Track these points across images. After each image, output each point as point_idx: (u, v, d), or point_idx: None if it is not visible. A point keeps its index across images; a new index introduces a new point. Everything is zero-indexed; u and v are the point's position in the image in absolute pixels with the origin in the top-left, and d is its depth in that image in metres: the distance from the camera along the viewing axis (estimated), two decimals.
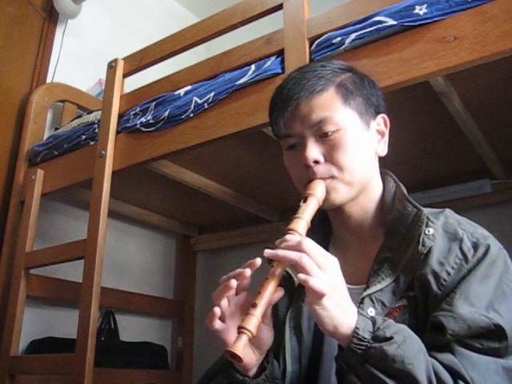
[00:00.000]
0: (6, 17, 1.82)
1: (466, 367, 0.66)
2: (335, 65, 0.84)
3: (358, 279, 0.81)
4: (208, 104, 1.26)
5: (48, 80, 1.94)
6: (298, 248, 0.67)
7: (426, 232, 0.77)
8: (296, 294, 0.86)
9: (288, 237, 0.71)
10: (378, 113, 0.86)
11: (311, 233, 0.78)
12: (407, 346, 0.65)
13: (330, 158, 0.79)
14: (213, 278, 2.28)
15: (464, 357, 0.67)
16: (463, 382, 0.65)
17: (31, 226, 1.57)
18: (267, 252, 0.69)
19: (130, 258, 2.12)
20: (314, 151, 0.79)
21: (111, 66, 1.54)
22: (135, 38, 2.28)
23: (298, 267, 0.67)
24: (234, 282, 0.70)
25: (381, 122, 0.86)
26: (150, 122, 1.37)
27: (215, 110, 1.26)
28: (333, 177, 0.79)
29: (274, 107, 0.84)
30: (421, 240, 0.77)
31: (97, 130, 1.53)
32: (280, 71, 1.17)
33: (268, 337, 0.76)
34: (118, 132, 1.48)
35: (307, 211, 0.76)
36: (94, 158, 1.46)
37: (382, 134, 0.86)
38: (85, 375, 1.22)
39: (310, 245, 0.68)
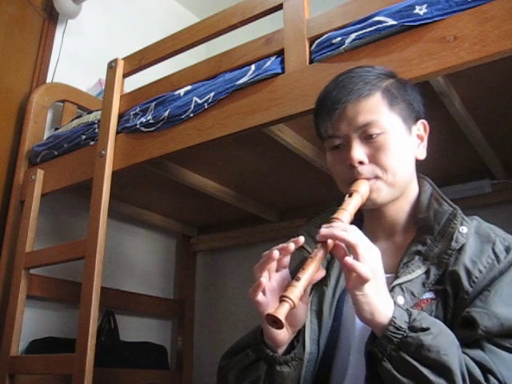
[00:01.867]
0: (6, 17, 1.82)
1: (496, 364, 0.68)
2: (379, 70, 0.88)
3: (385, 268, 0.83)
4: (208, 104, 1.26)
5: (48, 80, 1.94)
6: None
7: (460, 230, 0.81)
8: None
9: (335, 224, 0.74)
10: (418, 118, 0.89)
11: None
12: (442, 337, 0.68)
13: (374, 159, 0.83)
14: (213, 278, 2.28)
15: (494, 354, 0.69)
16: (493, 377, 0.67)
17: (31, 226, 1.56)
18: (323, 231, 0.72)
19: (130, 257, 2.12)
20: (359, 152, 0.82)
21: (111, 66, 1.54)
22: (135, 37, 2.28)
23: (342, 254, 0.70)
24: (276, 253, 0.73)
25: (421, 128, 0.90)
26: (150, 121, 1.37)
27: (215, 110, 1.26)
28: (377, 177, 0.83)
29: (321, 109, 0.87)
30: (454, 236, 0.80)
31: (97, 130, 1.53)
32: (280, 71, 1.17)
33: (302, 315, 0.79)
34: (118, 132, 1.48)
35: (351, 204, 0.79)
36: (93, 158, 1.46)
37: (422, 139, 0.91)
38: (85, 375, 1.22)
39: (356, 233, 0.72)
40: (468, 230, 0.81)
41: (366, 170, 0.82)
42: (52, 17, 2.00)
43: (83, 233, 1.42)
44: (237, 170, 1.65)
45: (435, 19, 0.96)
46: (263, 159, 1.57)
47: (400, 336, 0.67)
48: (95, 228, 1.37)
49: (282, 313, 0.66)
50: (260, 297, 0.74)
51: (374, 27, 1.02)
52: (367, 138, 0.83)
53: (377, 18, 1.02)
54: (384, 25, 1.01)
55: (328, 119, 0.85)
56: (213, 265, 2.31)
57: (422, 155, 0.90)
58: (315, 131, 0.91)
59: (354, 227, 0.73)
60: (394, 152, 0.83)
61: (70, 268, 1.64)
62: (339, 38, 1.08)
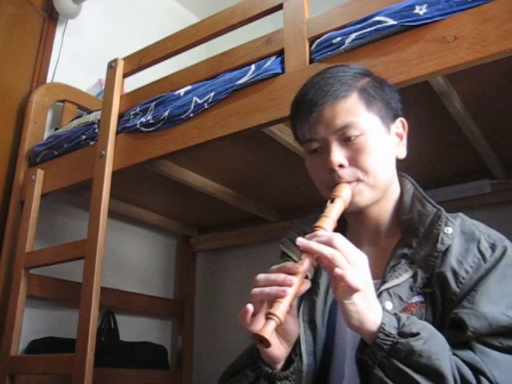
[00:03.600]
0: (5, 17, 1.82)
1: (487, 364, 0.67)
2: (354, 69, 0.86)
3: (373, 273, 0.82)
4: (208, 104, 1.26)
5: (48, 80, 1.93)
6: (329, 243, 0.68)
7: (445, 231, 0.79)
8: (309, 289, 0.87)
9: (319, 232, 0.72)
10: (396, 116, 0.88)
11: None
12: (433, 341, 0.67)
13: (354, 161, 0.81)
14: (213, 278, 2.28)
15: (484, 354, 0.69)
16: (485, 378, 0.66)
17: (31, 225, 1.56)
18: (300, 241, 0.70)
19: (130, 257, 2.12)
20: (338, 155, 0.81)
21: (111, 66, 1.54)
22: (135, 37, 2.29)
23: (326, 263, 0.68)
24: (250, 307, 0.70)
25: (399, 126, 0.89)
26: (150, 121, 1.37)
27: (215, 110, 1.26)
28: (358, 180, 0.81)
29: (297, 112, 0.85)
30: (440, 238, 0.79)
31: (97, 130, 1.53)
32: (280, 71, 1.17)
33: (294, 328, 0.78)
34: (118, 132, 1.48)
35: (334, 211, 0.78)
36: (93, 158, 1.46)
37: (401, 137, 0.89)
38: (85, 375, 1.22)
39: (341, 241, 0.69)
40: (453, 230, 0.80)
41: (347, 173, 0.81)
42: (52, 17, 2.00)
43: (83, 233, 1.42)
44: (237, 170, 1.65)
45: (435, 19, 0.96)
46: (263, 159, 1.57)
47: (390, 342, 0.66)
48: (95, 228, 1.37)
49: (267, 332, 0.65)
50: (249, 320, 0.71)
51: (374, 27, 1.02)
52: (346, 140, 0.81)
53: (377, 18, 1.02)
54: (384, 25, 1.01)
55: (305, 122, 0.83)
56: (213, 265, 2.31)
57: (403, 154, 0.89)
58: (293, 135, 0.90)
59: (339, 235, 0.71)
60: (374, 153, 0.81)
61: (70, 268, 1.64)
62: (339, 38, 1.07)
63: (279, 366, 0.79)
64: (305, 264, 0.71)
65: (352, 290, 0.67)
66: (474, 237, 0.79)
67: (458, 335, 0.71)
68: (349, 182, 0.81)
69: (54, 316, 1.78)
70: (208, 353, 2.17)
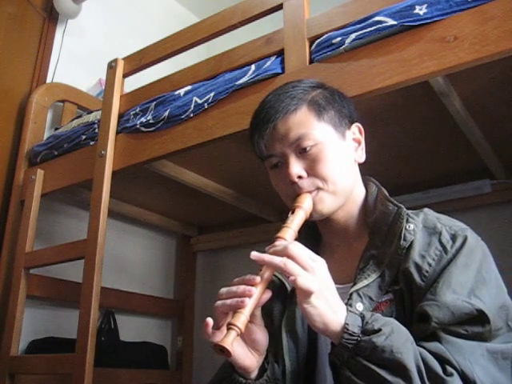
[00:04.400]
0: (5, 17, 1.82)
1: (452, 352, 0.68)
2: (305, 84, 0.89)
3: (345, 279, 0.85)
4: (208, 104, 1.26)
5: (48, 80, 1.93)
6: (284, 252, 0.71)
7: (407, 227, 0.81)
8: (289, 300, 0.90)
9: (276, 243, 0.75)
10: (352, 122, 0.91)
11: (302, 242, 0.80)
12: (395, 336, 0.68)
13: (312, 171, 0.84)
14: (213, 278, 2.28)
15: (449, 343, 0.70)
16: (450, 366, 0.67)
17: (31, 225, 1.56)
18: (254, 254, 0.72)
19: (130, 257, 2.12)
20: (296, 167, 0.84)
21: (111, 66, 1.54)
22: (135, 37, 2.28)
23: (284, 272, 0.70)
24: (210, 321, 0.73)
25: (356, 131, 0.92)
26: (150, 121, 1.37)
27: (215, 110, 1.26)
28: (318, 188, 0.84)
29: (253, 131, 0.89)
30: (402, 235, 0.81)
31: (97, 130, 1.53)
32: (280, 71, 1.17)
33: (262, 337, 0.79)
34: (117, 132, 1.48)
35: (295, 221, 0.81)
36: (94, 158, 1.46)
37: (359, 142, 0.92)
38: (85, 375, 1.22)
39: (296, 248, 0.71)
40: (415, 226, 0.81)
41: (306, 183, 0.84)
42: (52, 17, 2.00)
43: (83, 233, 1.42)
44: (237, 170, 1.65)
45: (435, 19, 0.96)
46: None
47: (354, 341, 0.68)
48: (95, 228, 1.37)
49: (227, 342, 0.67)
50: (211, 332, 0.73)
51: (374, 27, 1.02)
52: (302, 151, 0.84)
53: (377, 18, 1.02)
54: (384, 25, 1.01)
55: (261, 140, 0.87)
56: (213, 265, 2.31)
57: (362, 158, 0.91)
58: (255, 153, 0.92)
59: (295, 243, 0.73)
60: (331, 161, 0.84)
61: (70, 268, 1.64)
62: (339, 38, 1.08)
63: (253, 375, 0.80)
64: (265, 275, 0.73)
65: (306, 293, 0.68)
66: (435, 230, 0.80)
67: (424, 327, 0.72)
68: (309, 192, 0.84)
69: (53, 316, 1.78)
70: (208, 353, 2.17)
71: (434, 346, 0.70)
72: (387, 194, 0.90)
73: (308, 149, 0.83)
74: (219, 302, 0.74)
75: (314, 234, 0.97)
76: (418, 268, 0.77)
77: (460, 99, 1.18)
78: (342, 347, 0.69)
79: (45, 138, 1.78)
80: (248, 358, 0.78)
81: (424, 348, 0.69)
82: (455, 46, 0.93)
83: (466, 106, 1.20)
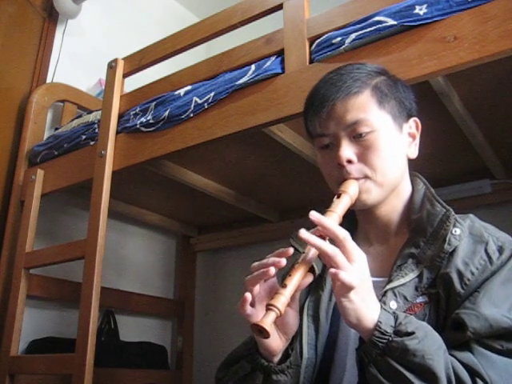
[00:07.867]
0: (6, 17, 1.82)
1: (485, 367, 0.67)
2: (370, 68, 0.86)
3: (380, 272, 0.83)
4: (208, 104, 1.26)
5: (48, 80, 1.93)
6: (340, 242, 0.69)
7: (453, 232, 0.79)
8: (315, 282, 0.86)
9: (327, 224, 0.71)
10: (410, 116, 0.87)
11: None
12: (428, 341, 0.66)
13: (363, 158, 0.81)
14: (213, 278, 2.28)
15: (483, 356, 0.68)
16: (481, 380, 0.66)
17: (31, 225, 1.56)
18: (303, 233, 0.69)
19: (130, 258, 2.12)
20: (347, 151, 0.80)
21: (111, 66, 1.54)
22: (135, 37, 2.28)
23: (326, 259, 0.68)
24: (273, 270, 0.71)
25: (413, 125, 0.88)
26: (150, 121, 1.37)
27: (215, 110, 1.26)
28: (366, 177, 0.81)
29: (309, 107, 0.86)
30: (447, 239, 0.78)
31: (97, 130, 1.53)
32: (280, 71, 1.17)
33: (294, 322, 0.78)
34: (118, 132, 1.48)
35: (340, 206, 0.77)
36: (94, 158, 1.46)
37: (414, 137, 0.88)
38: (85, 375, 1.22)
39: (352, 243, 0.69)
40: (461, 231, 0.79)
41: (355, 169, 0.81)
42: (52, 17, 2.00)
43: (83, 233, 1.42)
44: (237, 170, 1.65)
45: (435, 19, 0.96)
46: (263, 159, 1.57)
47: (385, 341, 0.67)
48: (95, 228, 1.37)
49: (267, 322, 0.65)
50: (249, 310, 0.73)
51: (374, 27, 1.02)
52: (356, 136, 0.81)
53: (377, 18, 1.02)
54: (384, 25, 1.01)
55: (316, 118, 0.83)
56: (213, 265, 2.31)
57: (414, 154, 0.88)
58: (305, 130, 0.90)
59: (343, 230, 0.71)
60: (384, 151, 0.81)
61: (70, 268, 1.64)
62: (339, 38, 1.08)
63: (276, 359, 0.79)
64: (308, 256, 0.71)
65: (347, 288, 0.67)
66: (482, 239, 0.78)
67: (459, 336, 0.70)
68: (357, 179, 0.81)
69: (54, 316, 1.78)
70: (208, 353, 2.17)
71: (466, 356, 0.68)
72: (435, 194, 0.87)
73: (363, 135, 0.80)
74: (249, 276, 0.73)
75: (349, 218, 0.93)
76: (460, 275, 0.75)
77: (460, 99, 1.18)
78: (372, 344, 0.67)
79: (45, 138, 1.78)
80: (275, 341, 0.76)
81: (456, 358, 0.68)
82: (455, 45, 0.93)
83: (465, 106, 1.20)
